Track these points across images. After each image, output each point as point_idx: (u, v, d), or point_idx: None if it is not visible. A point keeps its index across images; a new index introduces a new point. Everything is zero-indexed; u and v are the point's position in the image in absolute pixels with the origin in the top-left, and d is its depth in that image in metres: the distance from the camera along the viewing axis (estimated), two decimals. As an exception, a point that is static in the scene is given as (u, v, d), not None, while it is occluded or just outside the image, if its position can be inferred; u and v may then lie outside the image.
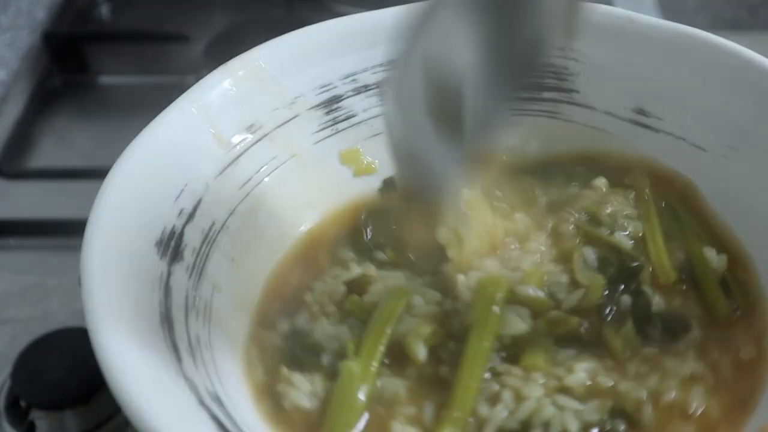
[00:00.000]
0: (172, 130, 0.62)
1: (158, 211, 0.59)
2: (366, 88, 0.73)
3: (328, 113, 0.73)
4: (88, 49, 1.25)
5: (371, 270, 0.67)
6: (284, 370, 0.59)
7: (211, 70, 0.67)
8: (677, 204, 0.70)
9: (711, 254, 0.65)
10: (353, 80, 0.73)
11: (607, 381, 0.58)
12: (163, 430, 0.45)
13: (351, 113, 0.74)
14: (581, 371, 0.58)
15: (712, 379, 0.58)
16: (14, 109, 1.16)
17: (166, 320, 0.54)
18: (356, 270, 0.67)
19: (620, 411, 0.56)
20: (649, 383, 0.58)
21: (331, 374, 0.59)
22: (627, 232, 0.67)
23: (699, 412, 0.56)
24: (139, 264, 0.56)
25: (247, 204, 0.67)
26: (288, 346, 0.62)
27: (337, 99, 0.73)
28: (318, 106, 0.72)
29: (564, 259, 0.66)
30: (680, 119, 0.70)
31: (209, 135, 0.65)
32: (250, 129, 0.68)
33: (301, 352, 0.61)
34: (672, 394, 0.57)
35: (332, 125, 0.73)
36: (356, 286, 0.65)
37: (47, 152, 1.12)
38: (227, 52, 0.67)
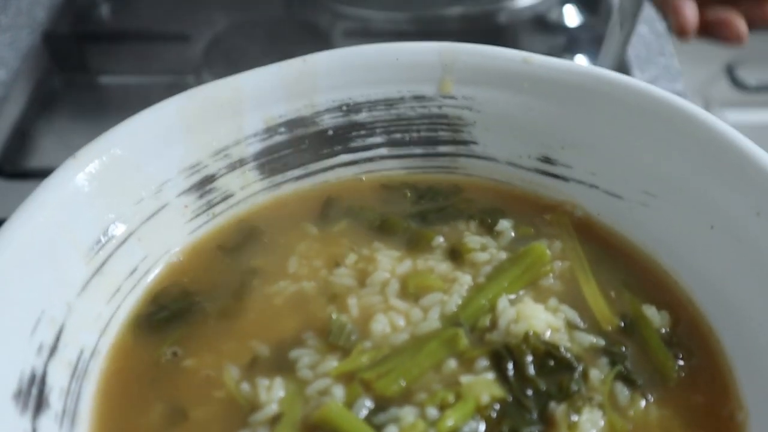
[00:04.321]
0: (17, 249, 0.51)
1: (11, 353, 0.48)
2: (241, 162, 0.64)
3: (201, 197, 0.63)
4: (88, 49, 1.25)
5: None
6: None
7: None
8: (602, 251, 0.63)
9: (651, 312, 0.59)
10: (225, 155, 0.64)
11: None
12: None
13: (227, 193, 0.64)
14: None
15: None
16: (14, 109, 1.15)
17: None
18: None
19: None
20: None
21: None
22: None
23: None
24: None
25: (119, 319, 0.57)
26: None
27: (209, 179, 0.63)
28: (189, 190, 0.62)
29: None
30: (590, 166, 0.65)
31: (64, 245, 0.54)
32: (111, 230, 0.57)
33: None
34: None
35: (207, 209, 0.64)
36: None
37: (47, 152, 1.11)
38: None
